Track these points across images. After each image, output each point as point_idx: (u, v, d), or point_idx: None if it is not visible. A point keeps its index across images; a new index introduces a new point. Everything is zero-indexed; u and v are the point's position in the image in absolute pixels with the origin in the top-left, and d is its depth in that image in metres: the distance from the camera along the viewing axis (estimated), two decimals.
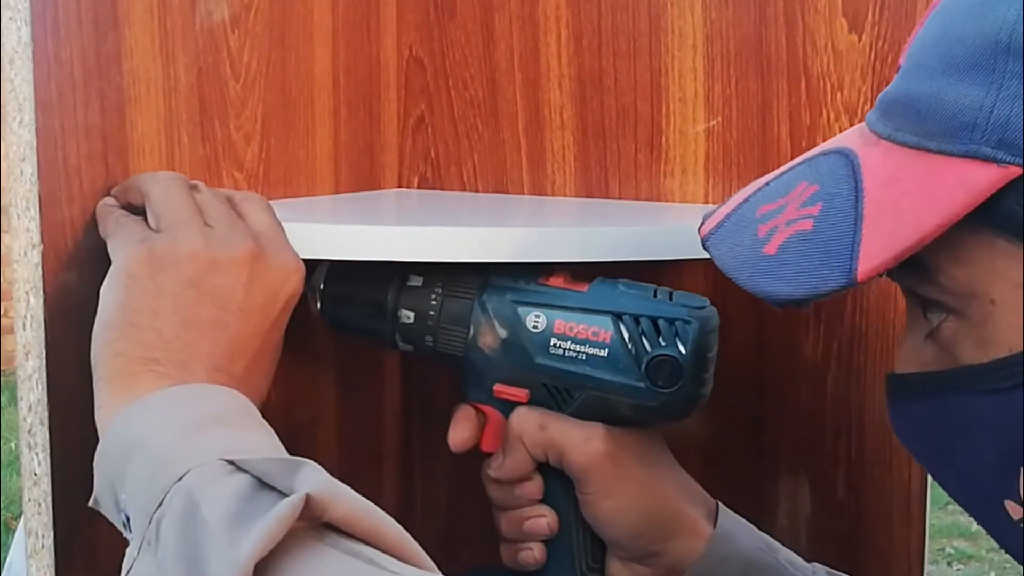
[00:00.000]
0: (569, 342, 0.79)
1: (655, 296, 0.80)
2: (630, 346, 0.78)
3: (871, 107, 0.66)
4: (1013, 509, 0.62)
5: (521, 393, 0.82)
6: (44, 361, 0.74)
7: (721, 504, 0.87)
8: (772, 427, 1.10)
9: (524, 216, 1.03)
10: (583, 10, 1.08)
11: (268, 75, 0.94)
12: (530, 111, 1.11)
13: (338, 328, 0.89)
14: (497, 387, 0.82)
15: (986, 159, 0.56)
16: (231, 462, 0.61)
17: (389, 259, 0.79)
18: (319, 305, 0.86)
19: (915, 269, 0.61)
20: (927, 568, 1.06)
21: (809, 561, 0.92)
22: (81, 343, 0.73)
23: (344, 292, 0.86)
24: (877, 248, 0.58)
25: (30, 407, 0.74)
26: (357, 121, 1.09)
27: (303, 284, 0.76)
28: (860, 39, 0.98)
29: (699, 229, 0.68)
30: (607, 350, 0.79)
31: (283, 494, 0.58)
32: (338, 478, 1.09)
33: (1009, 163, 0.56)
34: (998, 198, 0.56)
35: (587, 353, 0.79)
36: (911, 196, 0.58)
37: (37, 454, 0.74)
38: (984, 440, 0.62)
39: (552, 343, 0.80)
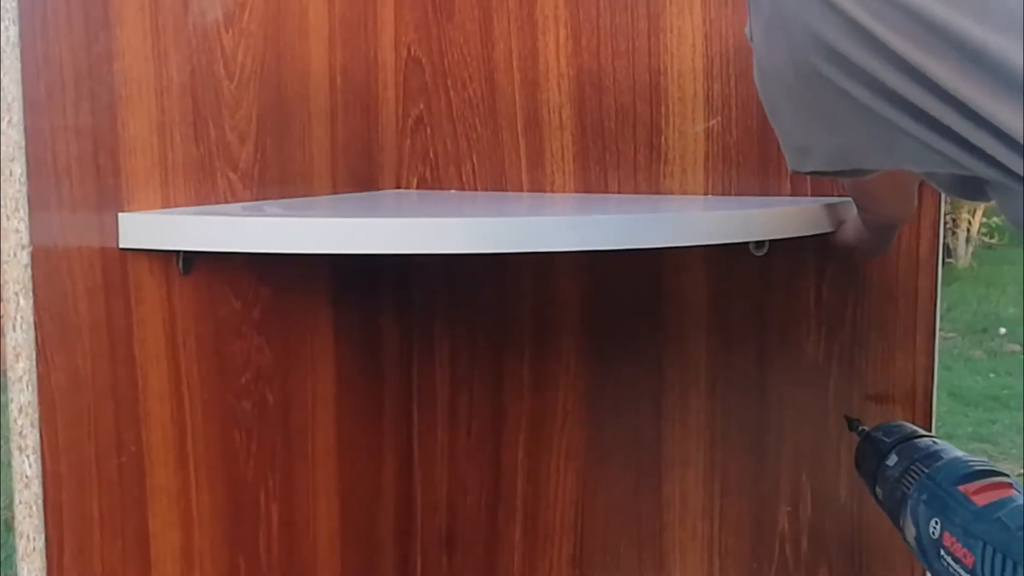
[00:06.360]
0: (949, 557, 0.79)
1: None
2: None
3: None
4: None
5: None
6: (35, 363, 0.73)
7: None
8: (774, 429, 1.09)
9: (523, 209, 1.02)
10: (582, 10, 1.07)
11: (263, 75, 0.94)
12: (529, 111, 1.10)
13: None
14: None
15: None
16: None
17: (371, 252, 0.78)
18: None
19: None
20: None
21: (811, 564, 0.90)
22: (71, 344, 0.73)
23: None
24: None
25: (20, 409, 0.73)
26: (355, 121, 1.08)
27: None
28: None
29: None
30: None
31: None
32: (337, 479, 1.09)
33: None
34: None
35: (958, 572, 0.78)
36: None
37: (28, 456, 0.74)
38: None
39: (940, 553, 0.80)
